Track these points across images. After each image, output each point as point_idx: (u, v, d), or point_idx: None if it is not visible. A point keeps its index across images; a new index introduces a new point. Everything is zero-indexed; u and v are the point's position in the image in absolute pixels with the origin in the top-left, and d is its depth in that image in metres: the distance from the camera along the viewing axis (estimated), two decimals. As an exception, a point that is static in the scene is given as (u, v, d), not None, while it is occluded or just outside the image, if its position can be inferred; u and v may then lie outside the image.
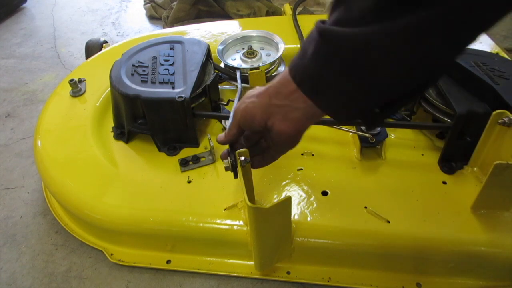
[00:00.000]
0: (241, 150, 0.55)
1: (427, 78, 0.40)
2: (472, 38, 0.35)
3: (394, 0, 0.34)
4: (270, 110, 0.47)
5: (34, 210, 0.86)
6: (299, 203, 0.69)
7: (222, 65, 0.92)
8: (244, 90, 0.83)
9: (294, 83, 0.43)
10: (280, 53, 0.92)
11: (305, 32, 1.05)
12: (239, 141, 0.57)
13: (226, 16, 1.57)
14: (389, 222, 0.66)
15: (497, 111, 0.65)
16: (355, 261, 0.68)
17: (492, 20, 0.33)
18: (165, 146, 0.81)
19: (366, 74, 0.38)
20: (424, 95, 0.77)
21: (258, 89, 0.49)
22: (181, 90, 0.77)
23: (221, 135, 0.56)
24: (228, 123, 0.61)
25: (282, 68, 0.95)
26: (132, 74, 0.82)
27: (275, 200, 0.69)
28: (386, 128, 0.78)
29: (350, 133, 0.80)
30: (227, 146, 0.58)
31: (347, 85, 0.39)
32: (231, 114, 0.55)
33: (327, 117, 0.44)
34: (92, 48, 1.15)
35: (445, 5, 0.32)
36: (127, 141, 0.84)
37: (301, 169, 0.76)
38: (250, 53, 0.93)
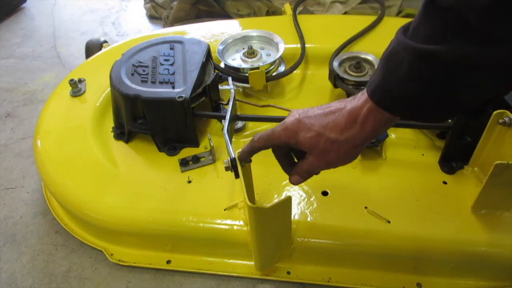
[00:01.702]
0: (241, 150, 0.55)
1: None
2: None
3: (505, 18, 0.32)
4: (359, 147, 0.47)
5: (34, 210, 0.86)
6: (299, 203, 0.69)
7: (222, 65, 0.92)
8: (244, 91, 0.83)
9: (390, 113, 0.42)
10: (280, 53, 0.92)
11: (305, 32, 1.05)
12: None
13: (226, 16, 1.56)
14: (389, 222, 0.66)
15: (498, 111, 0.65)
16: (355, 261, 0.68)
17: None
18: (165, 146, 0.81)
19: (469, 90, 0.37)
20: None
21: (341, 141, 0.45)
22: (181, 90, 0.77)
23: (297, 178, 0.53)
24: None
25: (282, 68, 0.95)
26: (132, 74, 0.82)
27: (275, 200, 0.69)
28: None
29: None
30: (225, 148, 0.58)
31: (447, 101, 0.39)
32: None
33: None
34: (92, 48, 1.15)
35: None
36: (127, 141, 0.84)
37: (301, 169, 0.75)
38: (250, 53, 0.93)
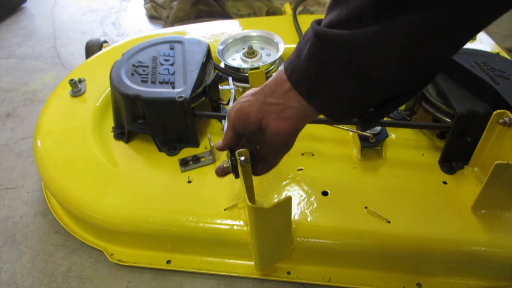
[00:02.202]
0: (241, 150, 0.55)
1: (424, 78, 0.40)
2: (470, 37, 0.35)
3: (393, 1, 0.33)
4: (265, 108, 0.47)
5: (34, 210, 0.86)
6: (299, 203, 0.69)
7: (222, 65, 0.92)
8: (243, 91, 0.83)
9: (289, 82, 0.43)
10: (280, 53, 0.92)
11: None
12: (238, 146, 0.57)
13: (226, 16, 1.57)
14: (389, 222, 0.66)
15: (498, 111, 0.65)
16: (356, 261, 0.68)
17: (491, 19, 0.33)
18: (165, 146, 0.81)
19: (363, 76, 0.38)
20: (424, 94, 0.77)
21: (253, 89, 0.49)
22: (181, 90, 0.77)
23: (219, 142, 0.56)
24: (224, 126, 0.61)
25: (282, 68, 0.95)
26: (132, 74, 0.82)
27: (275, 200, 0.69)
28: (387, 128, 0.78)
29: (351, 133, 0.80)
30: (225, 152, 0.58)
31: (343, 87, 0.39)
32: (226, 117, 0.55)
33: (322, 116, 0.44)
34: (92, 48, 1.15)
35: (446, 6, 0.32)
36: (127, 141, 0.84)
37: (301, 169, 0.76)
38: (250, 53, 0.93)
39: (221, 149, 0.56)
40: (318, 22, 0.40)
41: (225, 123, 0.56)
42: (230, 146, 0.56)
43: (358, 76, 0.38)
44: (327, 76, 0.39)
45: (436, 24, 0.33)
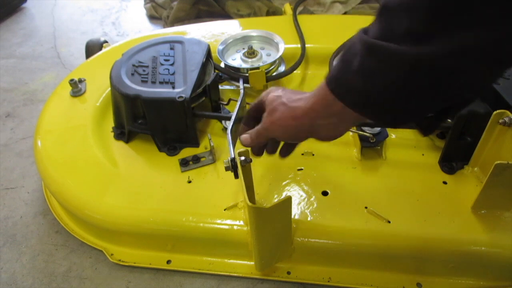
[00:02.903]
0: (241, 150, 0.55)
1: (474, 94, 0.40)
2: None
3: (447, 19, 0.32)
4: (315, 129, 0.47)
5: (34, 210, 0.86)
6: (299, 203, 0.69)
7: (222, 65, 0.92)
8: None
9: (339, 100, 0.42)
10: (280, 53, 0.92)
11: (305, 32, 1.05)
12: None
13: (226, 16, 1.56)
14: (389, 222, 0.66)
15: (498, 111, 0.65)
16: (356, 261, 0.68)
17: None
18: (165, 146, 0.81)
19: (419, 91, 0.37)
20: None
21: (290, 107, 0.48)
22: (181, 90, 0.77)
23: (246, 136, 0.55)
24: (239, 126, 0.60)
25: (282, 68, 0.95)
26: (132, 74, 0.82)
27: (276, 200, 0.69)
28: (387, 128, 0.78)
29: (351, 133, 0.80)
30: (226, 147, 0.58)
31: (399, 100, 0.39)
32: (260, 127, 0.53)
33: None
34: (92, 48, 1.15)
35: (504, 27, 0.31)
36: (127, 141, 0.84)
37: (302, 169, 0.76)
38: (251, 53, 0.93)
39: (248, 145, 0.56)
40: (365, 31, 0.39)
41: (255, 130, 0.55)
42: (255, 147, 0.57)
43: (413, 91, 0.37)
44: (381, 90, 0.38)
45: (493, 45, 0.32)
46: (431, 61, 0.34)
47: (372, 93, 0.39)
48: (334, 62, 0.43)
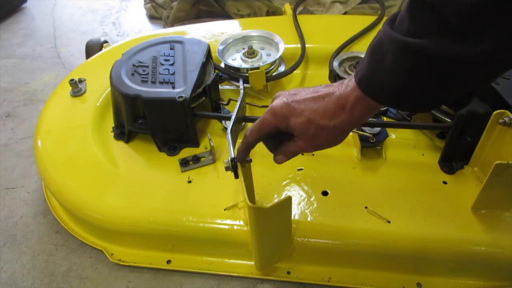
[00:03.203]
0: (237, 151, 0.55)
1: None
2: None
3: (494, 14, 0.32)
4: (347, 132, 0.48)
5: (35, 210, 0.86)
6: (299, 203, 0.69)
7: (222, 65, 0.92)
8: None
9: (376, 102, 0.43)
10: (280, 53, 0.92)
11: (305, 32, 1.05)
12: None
13: (226, 16, 1.56)
14: (389, 222, 0.66)
15: (498, 111, 0.65)
16: (356, 261, 0.68)
17: None
18: (166, 146, 0.81)
19: (450, 84, 0.38)
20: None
21: (330, 129, 0.47)
22: (182, 90, 0.77)
23: (284, 158, 0.53)
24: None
25: (282, 68, 0.95)
26: (133, 74, 0.82)
27: (276, 200, 0.69)
28: (387, 128, 0.78)
29: (351, 133, 0.79)
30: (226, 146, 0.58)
31: (429, 93, 0.40)
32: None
33: None
34: (93, 48, 1.15)
35: None
36: (127, 141, 0.84)
37: (302, 169, 0.76)
38: (251, 53, 0.93)
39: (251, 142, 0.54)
40: (391, 26, 0.40)
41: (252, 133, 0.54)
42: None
43: (444, 84, 0.38)
44: (416, 86, 0.39)
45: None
46: (479, 56, 0.34)
47: (409, 89, 0.39)
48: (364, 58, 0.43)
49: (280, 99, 0.49)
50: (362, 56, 0.90)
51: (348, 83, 0.45)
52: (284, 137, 0.53)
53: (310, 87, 0.50)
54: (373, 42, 0.42)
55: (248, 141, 0.53)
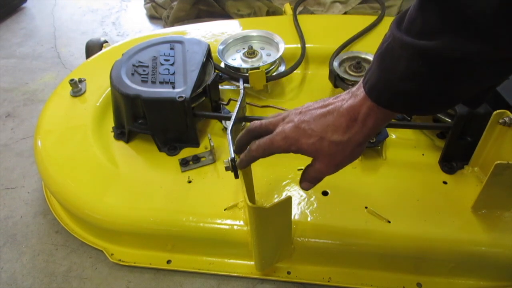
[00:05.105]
0: (239, 159, 0.55)
1: None
2: None
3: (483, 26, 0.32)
4: (363, 145, 0.47)
5: (34, 210, 0.86)
6: (299, 203, 0.69)
7: (222, 65, 0.92)
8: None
9: (390, 110, 0.41)
10: (280, 53, 0.92)
11: (305, 32, 1.05)
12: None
13: (226, 16, 1.56)
14: (389, 222, 0.66)
15: (498, 111, 0.65)
16: (356, 261, 0.68)
17: None
18: (166, 146, 0.81)
19: (470, 83, 0.37)
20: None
21: (345, 146, 0.45)
22: (182, 90, 0.77)
23: (309, 185, 0.52)
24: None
25: (282, 68, 0.95)
26: (133, 74, 0.82)
27: (276, 200, 0.69)
28: (387, 128, 0.78)
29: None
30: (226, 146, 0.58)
31: (448, 94, 0.39)
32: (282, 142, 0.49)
33: None
34: (93, 48, 1.15)
35: None
36: (127, 141, 0.84)
37: (302, 169, 0.75)
38: (251, 53, 0.93)
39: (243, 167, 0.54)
40: (399, 29, 0.38)
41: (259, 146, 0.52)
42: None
43: (458, 84, 0.38)
44: (430, 91, 0.38)
45: None
46: (505, 53, 0.34)
47: (427, 94, 0.39)
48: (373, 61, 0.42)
49: (290, 122, 0.48)
50: (363, 56, 0.90)
51: (357, 92, 0.43)
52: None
53: (319, 100, 0.48)
54: (380, 48, 0.40)
55: (252, 155, 0.52)
